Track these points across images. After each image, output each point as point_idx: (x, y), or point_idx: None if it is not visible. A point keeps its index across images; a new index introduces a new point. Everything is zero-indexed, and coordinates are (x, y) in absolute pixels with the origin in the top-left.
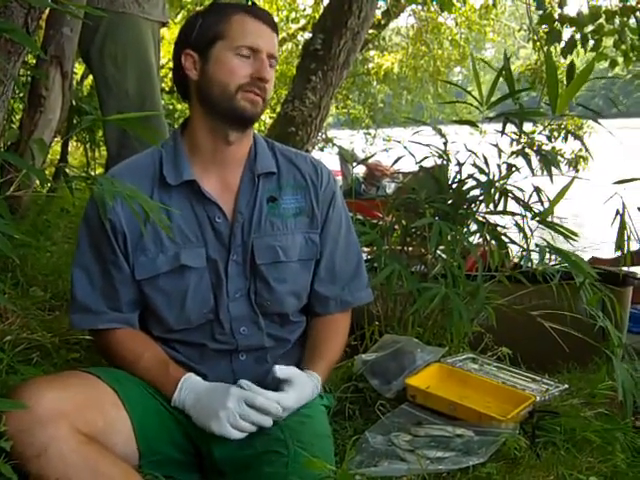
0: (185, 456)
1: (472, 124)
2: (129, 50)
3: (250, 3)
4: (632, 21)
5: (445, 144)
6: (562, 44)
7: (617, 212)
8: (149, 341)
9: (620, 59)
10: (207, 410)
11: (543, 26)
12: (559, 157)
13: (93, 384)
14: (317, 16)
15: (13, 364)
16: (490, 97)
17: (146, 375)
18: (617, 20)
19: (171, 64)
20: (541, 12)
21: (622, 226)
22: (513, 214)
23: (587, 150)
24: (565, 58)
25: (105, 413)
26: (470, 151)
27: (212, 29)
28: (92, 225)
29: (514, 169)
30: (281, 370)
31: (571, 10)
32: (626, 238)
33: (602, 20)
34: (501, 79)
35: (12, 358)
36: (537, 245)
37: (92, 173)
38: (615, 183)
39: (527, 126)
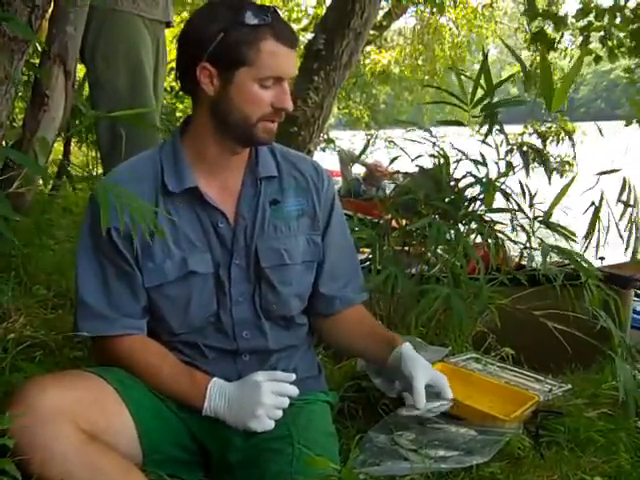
0: (189, 455)
1: (460, 124)
2: (120, 48)
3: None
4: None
5: (434, 144)
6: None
7: (592, 203)
8: (162, 349)
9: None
10: (243, 411)
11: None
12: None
13: (96, 384)
14: (319, 15)
15: (16, 362)
16: (474, 97)
17: (170, 387)
18: (606, 17)
19: (174, 64)
20: (529, 7)
21: (596, 216)
22: (514, 212)
23: (574, 156)
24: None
25: (108, 413)
26: (457, 149)
27: (237, 51)
28: (96, 229)
29: (513, 166)
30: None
31: (570, 9)
32: (597, 229)
33: (592, 17)
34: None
35: (15, 356)
36: (540, 244)
37: (93, 172)
38: (597, 174)
39: (517, 128)
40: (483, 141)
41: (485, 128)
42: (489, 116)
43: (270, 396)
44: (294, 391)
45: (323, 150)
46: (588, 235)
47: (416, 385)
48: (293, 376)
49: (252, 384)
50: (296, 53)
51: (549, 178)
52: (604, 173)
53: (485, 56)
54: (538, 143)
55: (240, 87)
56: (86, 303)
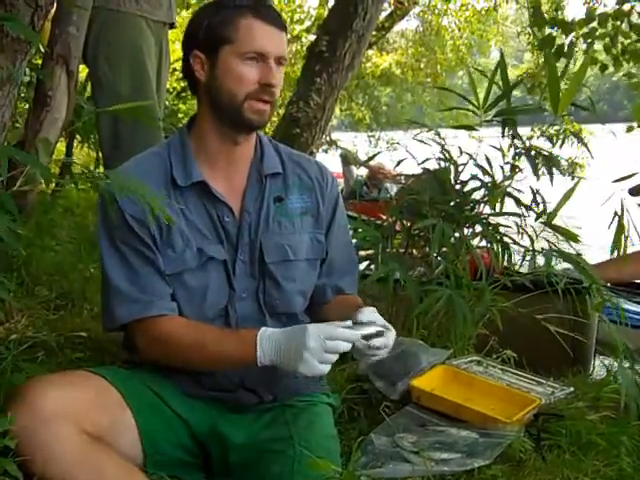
0: (190, 456)
1: (470, 128)
2: (122, 49)
3: None
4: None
5: (442, 147)
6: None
7: (615, 214)
8: (198, 323)
9: (610, 63)
10: (291, 354)
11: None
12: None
13: (98, 384)
14: (322, 16)
15: (18, 362)
16: (486, 100)
17: (219, 351)
18: (610, 24)
19: (176, 65)
20: (535, 15)
21: (620, 228)
22: (518, 216)
23: (589, 152)
24: (557, 61)
25: (110, 413)
26: (467, 153)
27: (218, 32)
28: (111, 223)
29: (518, 170)
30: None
31: (572, 12)
32: (623, 239)
33: (595, 24)
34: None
35: (17, 356)
36: (543, 249)
37: (96, 172)
38: (614, 181)
39: (525, 130)
40: (507, 149)
41: (488, 130)
42: (506, 121)
43: (316, 339)
44: (349, 334)
45: (325, 152)
46: (614, 250)
47: (362, 309)
48: (348, 323)
49: (300, 328)
50: (283, 34)
51: (551, 180)
52: (620, 180)
53: (502, 54)
54: (546, 146)
55: (224, 65)
56: (119, 289)
